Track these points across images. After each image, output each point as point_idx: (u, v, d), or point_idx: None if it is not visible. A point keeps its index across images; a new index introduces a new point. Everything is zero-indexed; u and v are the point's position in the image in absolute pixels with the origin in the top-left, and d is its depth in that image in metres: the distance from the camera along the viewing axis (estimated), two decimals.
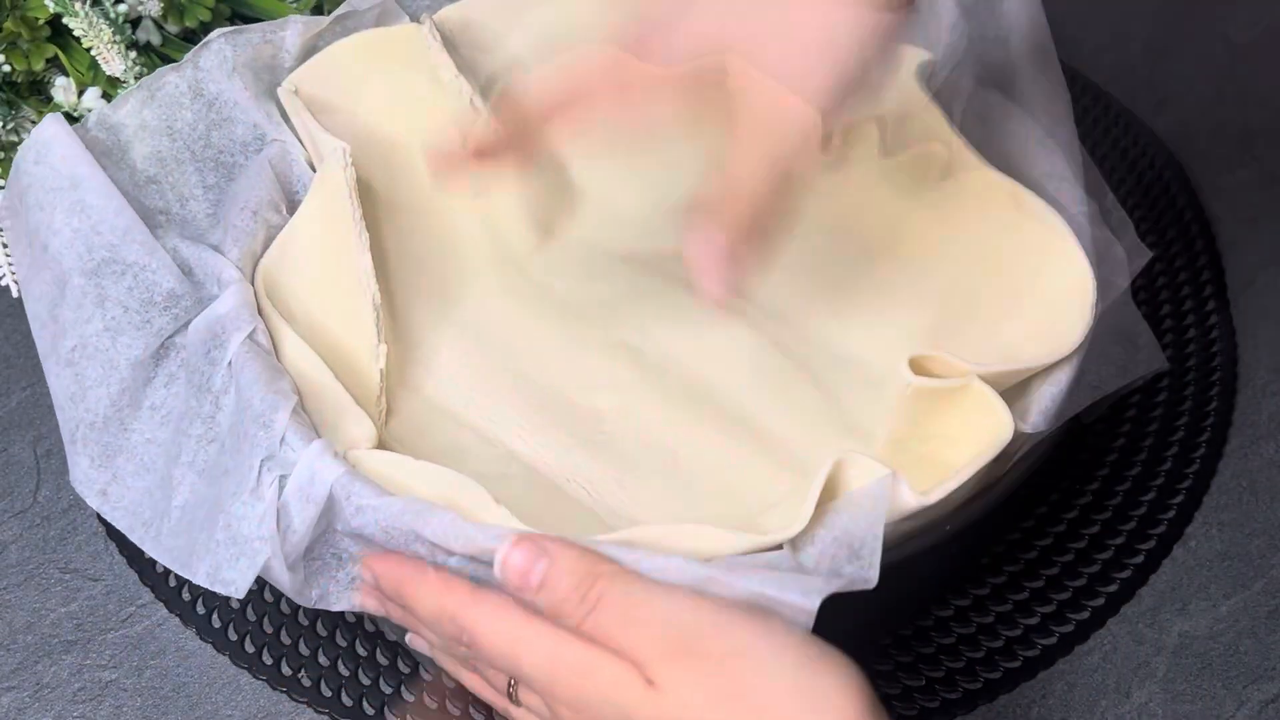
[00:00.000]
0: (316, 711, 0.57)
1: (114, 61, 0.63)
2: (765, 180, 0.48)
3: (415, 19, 0.66)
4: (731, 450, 0.57)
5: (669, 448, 0.58)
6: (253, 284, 0.57)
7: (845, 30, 0.47)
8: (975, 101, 0.63)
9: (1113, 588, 0.60)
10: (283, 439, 0.50)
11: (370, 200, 0.65)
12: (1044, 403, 0.53)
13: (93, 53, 0.62)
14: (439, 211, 0.67)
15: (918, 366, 0.53)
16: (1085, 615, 0.59)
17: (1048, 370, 0.54)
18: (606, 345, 0.61)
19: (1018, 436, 0.53)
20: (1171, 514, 0.62)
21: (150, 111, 0.60)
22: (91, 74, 0.66)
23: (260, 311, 0.57)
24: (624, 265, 0.64)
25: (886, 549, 0.48)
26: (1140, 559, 0.61)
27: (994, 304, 0.59)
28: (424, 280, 0.65)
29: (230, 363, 0.54)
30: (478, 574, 0.47)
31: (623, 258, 0.65)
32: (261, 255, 0.59)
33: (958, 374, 0.52)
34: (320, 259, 0.62)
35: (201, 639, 0.59)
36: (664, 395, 0.59)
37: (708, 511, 0.55)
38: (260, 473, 0.50)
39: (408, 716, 0.55)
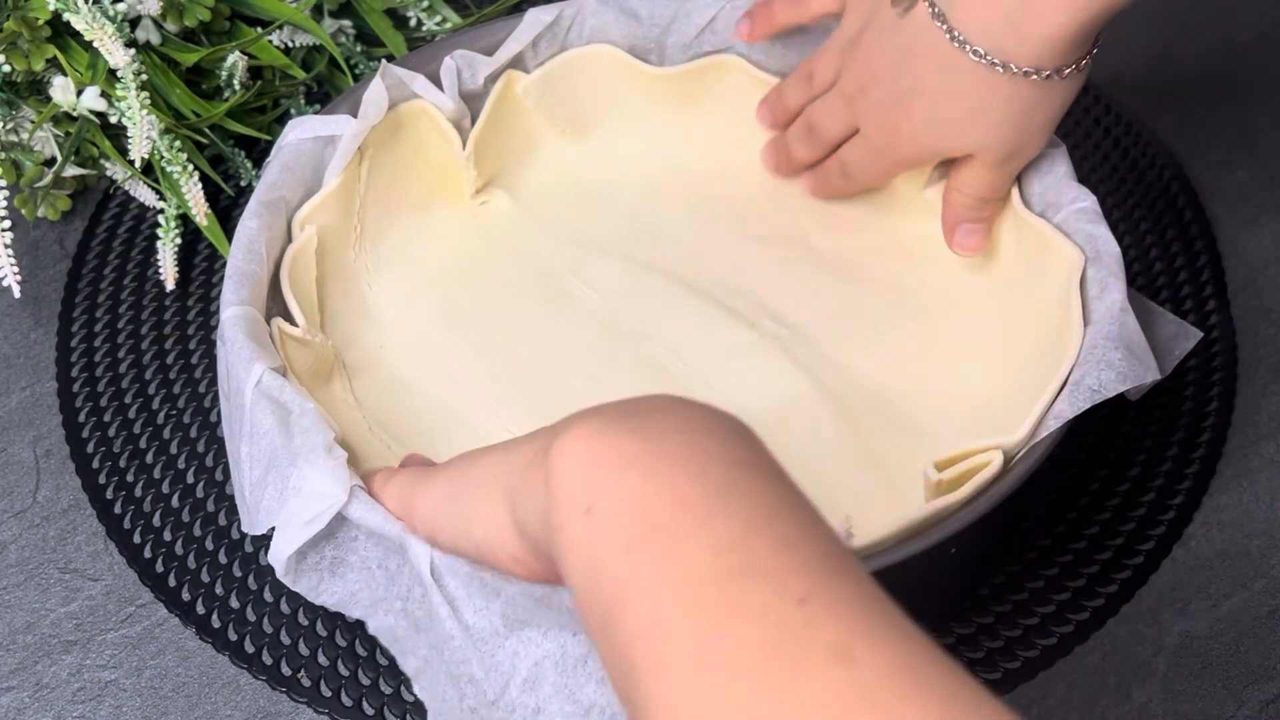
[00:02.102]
0: (316, 711, 0.57)
1: (117, 53, 0.63)
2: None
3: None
4: None
5: None
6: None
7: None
8: None
9: (1113, 588, 0.60)
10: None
11: (391, 202, 0.65)
12: (1033, 416, 0.54)
13: (95, 44, 0.62)
14: (473, 218, 0.67)
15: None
16: (1085, 615, 0.59)
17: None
18: (636, 363, 0.61)
19: (1014, 446, 0.53)
20: (1171, 514, 0.62)
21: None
22: (90, 73, 0.66)
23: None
24: (661, 282, 0.65)
25: (886, 551, 0.49)
26: (1140, 559, 0.61)
27: (1020, 343, 0.60)
28: (451, 285, 0.65)
29: (230, 358, 0.54)
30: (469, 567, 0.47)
31: (661, 272, 0.65)
32: (263, 250, 0.59)
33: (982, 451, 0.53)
34: (319, 257, 0.62)
35: (201, 639, 0.59)
36: None
37: None
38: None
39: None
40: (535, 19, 0.67)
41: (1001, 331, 0.61)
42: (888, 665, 0.32)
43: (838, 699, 0.31)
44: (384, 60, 0.66)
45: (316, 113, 0.64)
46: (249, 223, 0.59)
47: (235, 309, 0.55)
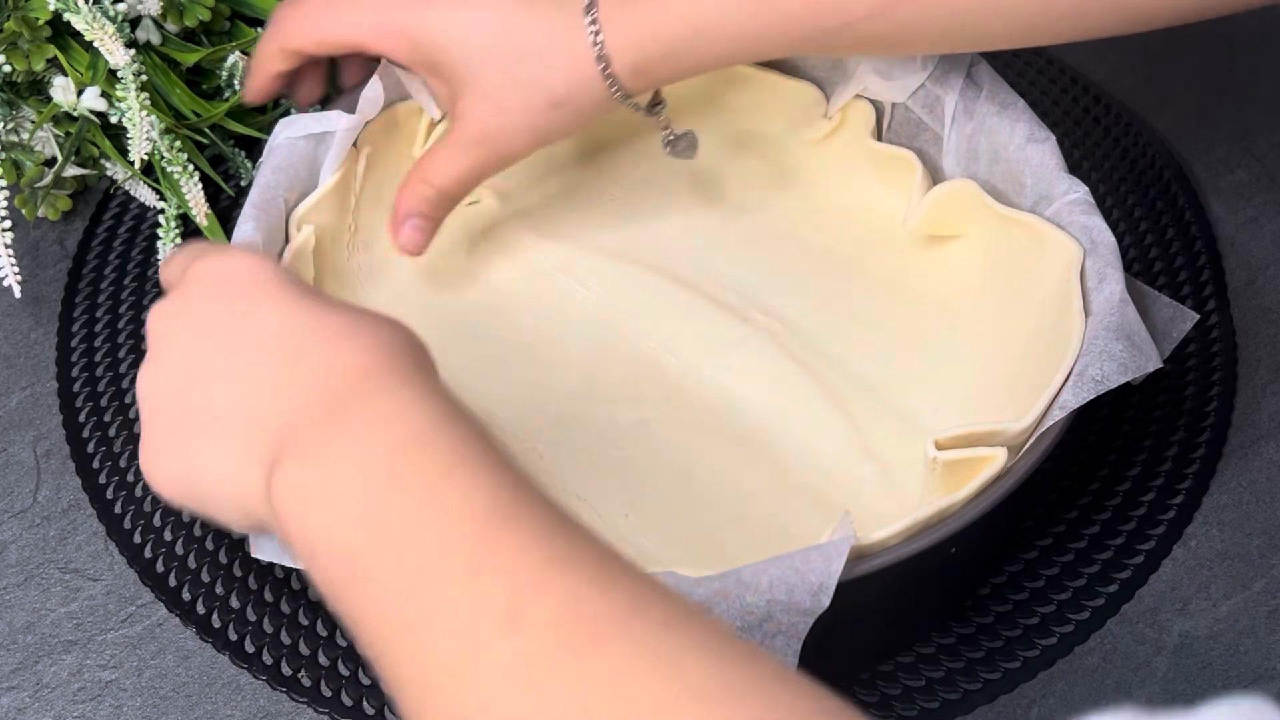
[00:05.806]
0: (316, 711, 0.57)
1: (117, 53, 0.63)
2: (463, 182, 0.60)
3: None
4: (746, 475, 0.58)
5: (684, 468, 0.58)
6: None
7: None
8: (967, 95, 0.62)
9: (1113, 588, 0.60)
10: None
11: (385, 202, 0.65)
12: (1041, 403, 0.54)
13: (95, 44, 0.62)
14: (463, 219, 0.67)
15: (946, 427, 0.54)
16: (1085, 615, 0.59)
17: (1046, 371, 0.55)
18: (631, 359, 0.62)
19: (1020, 433, 0.53)
20: (1171, 514, 0.62)
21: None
22: (90, 74, 0.66)
23: None
24: (653, 278, 0.65)
25: (886, 552, 0.49)
26: (1140, 559, 0.61)
27: (1010, 330, 0.59)
28: (443, 285, 0.65)
29: None
30: None
31: (652, 268, 0.65)
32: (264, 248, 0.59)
33: (986, 439, 0.53)
34: (316, 257, 0.62)
35: (201, 639, 0.59)
36: (684, 413, 0.59)
37: (715, 540, 0.56)
38: None
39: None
40: None
41: (996, 322, 0.61)
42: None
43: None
44: (383, 59, 0.66)
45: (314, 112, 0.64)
46: (244, 226, 0.58)
47: None
